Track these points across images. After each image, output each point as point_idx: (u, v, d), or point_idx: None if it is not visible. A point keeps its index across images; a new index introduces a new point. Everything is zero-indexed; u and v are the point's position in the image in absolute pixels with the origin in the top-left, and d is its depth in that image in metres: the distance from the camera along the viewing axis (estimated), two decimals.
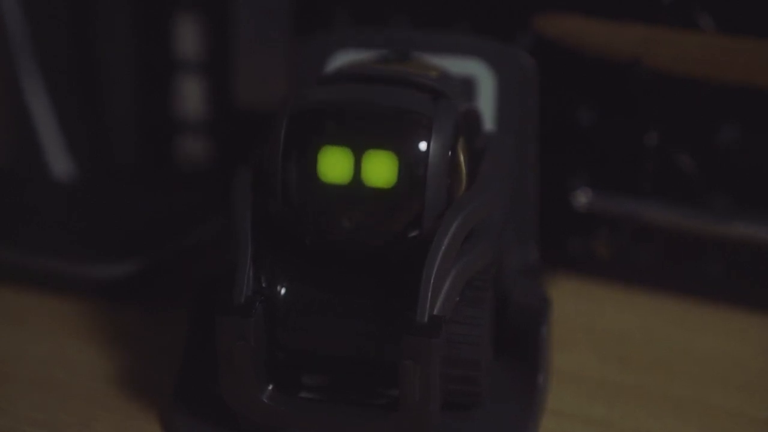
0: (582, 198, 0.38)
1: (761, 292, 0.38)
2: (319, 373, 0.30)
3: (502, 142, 0.34)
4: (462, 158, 0.31)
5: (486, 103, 0.35)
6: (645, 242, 0.39)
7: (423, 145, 0.29)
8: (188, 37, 0.44)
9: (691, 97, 0.37)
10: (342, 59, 0.34)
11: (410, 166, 0.29)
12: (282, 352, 0.30)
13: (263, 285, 0.29)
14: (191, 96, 0.44)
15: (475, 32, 0.39)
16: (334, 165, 0.29)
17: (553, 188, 0.39)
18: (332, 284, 0.30)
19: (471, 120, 0.32)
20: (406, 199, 0.29)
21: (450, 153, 0.29)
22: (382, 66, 0.32)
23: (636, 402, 0.33)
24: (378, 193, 0.29)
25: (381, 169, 0.29)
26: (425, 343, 0.27)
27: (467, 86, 0.35)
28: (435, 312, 0.28)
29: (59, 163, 0.43)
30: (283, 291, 0.30)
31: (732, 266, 0.38)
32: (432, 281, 0.28)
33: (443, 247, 0.28)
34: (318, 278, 0.30)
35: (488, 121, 0.35)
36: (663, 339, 0.37)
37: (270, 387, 0.29)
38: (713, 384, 0.34)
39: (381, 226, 0.29)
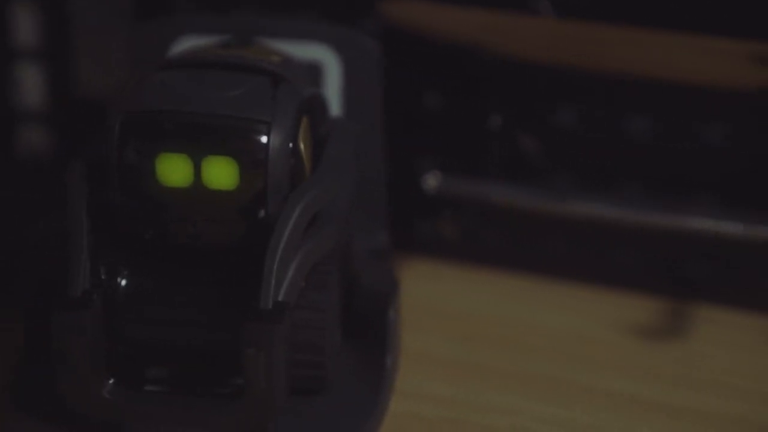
0: (431, 181, 0.38)
1: (604, 269, 0.38)
2: (163, 366, 0.29)
3: (348, 128, 0.33)
4: (305, 145, 0.30)
5: (332, 89, 0.35)
6: (492, 223, 0.39)
7: (262, 143, 0.28)
8: (27, 25, 0.42)
9: (532, 80, 0.37)
10: (184, 45, 0.33)
11: (250, 166, 0.28)
12: (123, 345, 0.28)
13: (102, 277, 0.28)
14: (31, 85, 0.42)
15: (321, 18, 0.38)
16: (172, 171, 0.28)
17: (403, 172, 0.39)
18: (174, 275, 0.29)
19: (315, 105, 0.31)
20: (248, 198, 0.28)
21: (291, 141, 0.29)
22: (223, 52, 0.31)
23: (484, 380, 0.33)
24: (219, 195, 0.28)
25: (221, 173, 0.28)
26: (268, 329, 0.27)
27: (313, 72, 0.34)
28: (279, 298, 0.27)
29: None
30: (123, 283, 0.28)
31: (575, 244, 0.38)
32: (275, 267, 0.27)
33: (286, 233, 0.28)
34: (159, 269, 0.29)
35: (334, 106, 0.35)
36: (511, 317, 0.36)
37: (111, 381, 0.28)
38: (559, 359, 0.34)
39: (224, 228, 0.28)
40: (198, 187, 0.28)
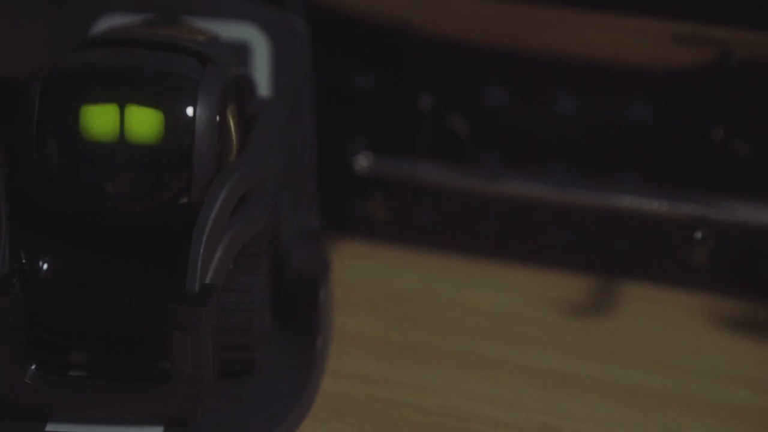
0: (362, 161, 0.38)
1: (533, 247, 0.38)
2: (88, 351, 0.29)
3: (276, 108, 0.33)
4: (232, 124, 0.29)
5: (260, 69, 0.34)
6: (423, 203, 0.39)
7: (189, 105, 0.27)
8: None
9: (461, 60, 0.37)
10: (106, 23, 0.32)
11: (176, 124, 0.27)
12: (45, 331, 0.28)
13: (23, 261, 0.27)
14: None
15: None
16: (96, 123, 0.27)
17: (334, 152, 0.39)
18: (98, 258, 0.28)
19: (242, 85, 0.31)
20: (172, 158, 0.27)
21: (218, 117, 0.28)
22: (147, 30, 0.30)
23: (414, 358, 0.33)
24: (143, 149, 0.27)
25: (146, 126, 0.27)
26: (195, 312, 0.26)
27: (241, 51, 0.34)
28: (206, 281, 0.27)
29: None
30: (45, 267, 0.28)
31: (505, 223, 0.38)
32: (202, 249, 0.27)
33: (212, 215, 0.27)
34: (83, 252, 0.28)
35: (263, 86, 0.34)
36: (440, 296, 0.36)
37: (33, 367, 0.27)
38: (485, 336, 0.34)
39: (147, 189, 0.27)
40: (121, 142, 0.27)
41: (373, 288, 0.37)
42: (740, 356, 0.34)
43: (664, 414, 0.31)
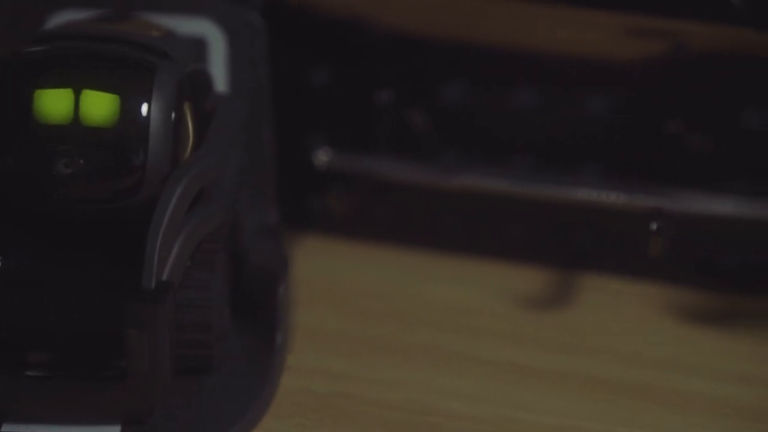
0: (321, 157, 0.38)
1: (492, 241, 0.38)
2: (44, 350, 0.28)
3: (234, 103, 0.32)
4: (188, 119, 0.29)
5: (217, 65, 0.34)
6: (383, 198, 0.39)
7: (144, 97, 0.27)
8: None
9: (418, 55, 0.37)
10: (60, 19, 0.32)
11: (130, 115, 0.27)
12: (1, 330, 0.27)
13: None
14: None
15: None
16: (50, 106, 0.27)
17: (293, 148, 0.38)
18: (52, 256, 0.27)
19: (198, 81, 0.30)
20: (127, 146, 0.27)
21: (173, 112, 0.28)
22: (101, 25, 0.29)
23: (374, 353, 0.33)
24: (97, 136, 0.27)
25: (100, 114, 0.27)
26: (151, 310, 0.26)
27: (197, 47, 0.33)
28: (163, 277, 0.27)
29: None
30: None
31: (464, 217, 0.38)
32: (158, 245, 0.26)
33: (169, 210, 0.27)
34: (37, 250, 0.27)
35: (220, 82, 0.34)
36: (400, 291, 0.36)
37: None
38: (446, 331, 0.34)
39: (101, 175, 0.27)
40: (76, 124, 0.27)
41: (334, 283, 0.37)
42: (696, 346, 0.34)
43: (622, 404, 0.31)
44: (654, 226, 0.32)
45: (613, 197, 0.34)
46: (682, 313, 0.36)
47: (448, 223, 0.39)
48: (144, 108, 0.27)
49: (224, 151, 0.29)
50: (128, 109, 0.27)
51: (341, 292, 0.36)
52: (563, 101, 0.36)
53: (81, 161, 0.27)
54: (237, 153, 0.31)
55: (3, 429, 0.27)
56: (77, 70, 0.27)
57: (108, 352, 0.27)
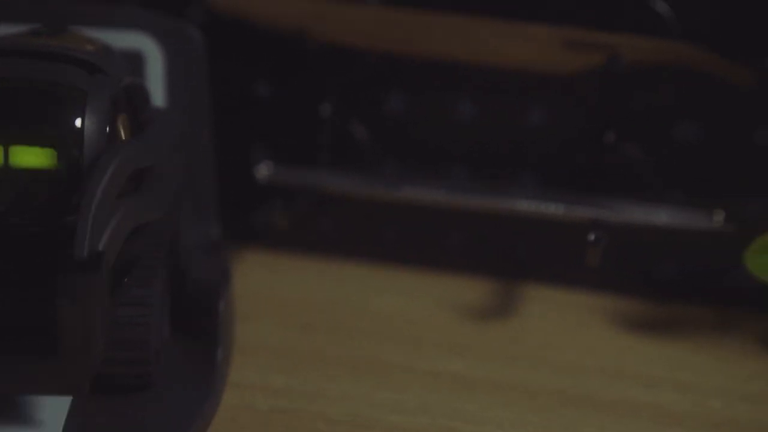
0: (263, 171, 0.37)
1: (434, 252, 0.38)
2: None
3: (172, 118, 0.32)
4: (123, 134, 0.28)
5: (155, 79, 0.33)
6: (325, 211, 0.38)
7: (77, 128, 0.26)
8: None
9: (359, 67, 0.37)
10: None
11: (64, 125, 0.26)
12: None
13: None
14: None
15: (145, 6, 0.37)
16: None
17: (235, 162, 0.38)
18: None
19: (134, 95, 0.30)
20: (62, 184, 0.26)
21: (108, 128, 0.27)
22: (34, 40, 0.29)
23: (316, 367, 0.32)
24: (31, 176, 0.26)
25: (32, 158, 0.26)
26: (85, 280, 0.24)
27: (135, 61, 0.33)
28: (98, 248, 0.25)
29: None
30: None
31: (405, 229, 0.38)
32: (91, 213, 0.25)
33: (104, 179, 0.26)
34: None
35: (158, 96, 0.33)
36: (344, 304, 0.36)
37: None
38: (390, 343, 0.34)
39: (35, 211, 0.26)
40: (6, 171, 0.26)
41: (276, 297, 0.36)
42: (636, 355, 0.34)
43: (564, 413, 0.31)
44: (591, 236, 0.33)
45: (551, 208, 0.34)
46: (622, 323, 0.36)
47: (389, 235, 0.39)
48: (78, 123, 0.26)
49: (160, 138, 0.29)
50: (62, 125, 0.26)
51: (283, 305, 0.36)
52: (502, 113, 0.36)
53: (15, 203, 0.26)
54: (178, 161, 0.30)
55: None
56: (4, 118, 0.26)
57: (39, 327, 0.26)
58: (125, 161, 0.27)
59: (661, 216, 0.34)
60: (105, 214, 0.26)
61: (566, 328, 0.35)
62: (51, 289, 0.25)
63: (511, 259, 0.38)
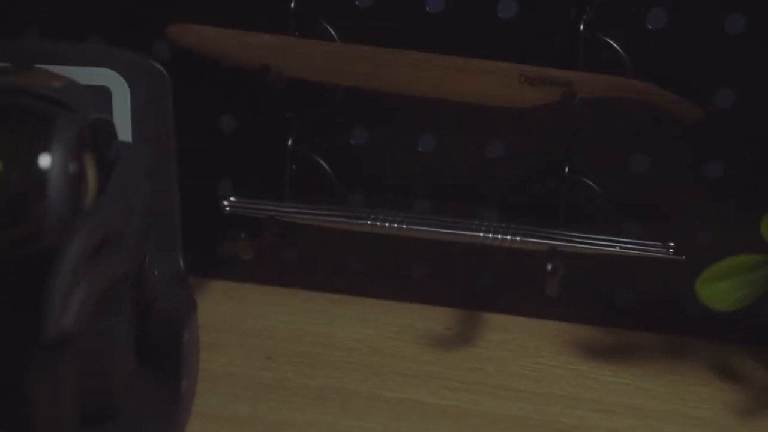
0: (228, 202, 0.38)
1: (393, 281, 0.38)
2: None
3: (138, 152, 0.32)
4: (89, 169, 0.29)
5: (121, 114, 0.34)
6: (289, 242, 0.39)
7: (43, 144, 0.27)
8: None
9: (322, 102, 0.37)
10: None
11: (29, 162, 0.27)
12: None
13: None
14: None
15: (111, 43, 0.37)
16: None
17: (200, 194, 0.38)
18: None
19: (100, 130, 0.30)
20: (24, 195, 0.27)
21: (73, 163, 0.27)
22: (1, 78, 0.29)
23: (281, 396, 0.33)
24: None
25: None
26: (53, 358, 0.25)
27: (101, 96, 0.33)
28: (64, 325, 0.26)
29: None
30: None
31: (367, 259, 0.38)
32: (58, 292, 0.26)
33: (69, 257, 0.26)
34: None
35: (125, 131, 0.34)
36: (308, 333, 0.36)
37: None
38: (354, 371, 0.34)
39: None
40: None
41: (241, 327, 0.37)
42: (593, 381, 0.34)
43: None
44: (549, 266, 0.33)
45: (510, 239, 0.35)
46: (579, 350, 0.36)
47: (353, 265, 0.39)
48: (42, 159, 0.27)
49: (127, 199, 0.29)
50: (26, 161, 0.26)
51: (248, 335, 0.36)
52: (462, 146, 0.37)
53: None
54: (141, 200, 0.31)
55: None
56: None
57: (9, 401, 0.27)
58: (93, 233, 0.27)
59: (615, 246, 0.34)
60: (72, 288, 0.26)
61: (525, 355, 0.36)
62: (21, 365, 0.25)
63: (473, 288, 0.38)
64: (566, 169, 0.35)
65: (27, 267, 0.27)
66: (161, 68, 0.34)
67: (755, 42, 0.34)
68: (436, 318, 0.37)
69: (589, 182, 0.36)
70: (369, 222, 0.36)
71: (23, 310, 0.27)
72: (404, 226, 0.36)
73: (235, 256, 0.38)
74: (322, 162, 0.38)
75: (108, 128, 0.31)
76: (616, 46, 0.34)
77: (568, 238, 0.34)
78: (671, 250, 0.34)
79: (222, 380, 0.33)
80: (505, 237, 0.34)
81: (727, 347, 0.36)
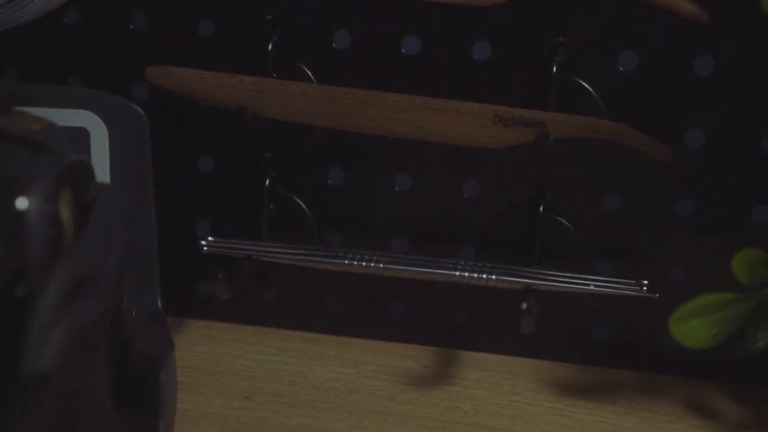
0: (206, 243, 0.38)
1: (370, 320, 0.38)
2: None
3: (116, 193, 0.32)
4: (67, 211, 0.29)
5: (100, 155, 0.34)
6: (267, 282, 0.39)
7: (19, 195, 0.27)
8: None
9: (299, 142, 0.38)
10: None
11: (5, 203, 0.26)
12: None
13: None
14: None
15: (90, 85, 0.37)
16: None
17: (178, 235, 0.38)
18: None
19: (79, 172, 0.30)
20: (2, 247, 0.27)
21: (51, 207, 0.27)
22: None
23: None
24: None
25: None
26: (31, 400, 0.25)
27: (80, 138, 0.33)
28: (42, 366, 0.26)
29: None
30: None
31: (344, 299, 0.39)
32: (36, 333, 0.26)
33: (47, 299, 0.26)
34: None
35: (103, 172, 0.34)
36: (285, 372, 0.36)
37: None
38: (328, 410, 0.34)
39: None
40: None
41: (218, 367, 0.36)
42: (568, 419, 0.34)
43: None
44: (524, 305, 0.33)
45: (486, 278, 0.35)
46: (555, 387, 0.36)
47: (330, 305, 0.39)
48: (19, 201, 0.27)
49: (104, 240, 0.29)
50: (3, 203, 0.26)
51: (225, 375, 0.36)
52: (437, 186, 0.37)
53: None
54: (119, 241, 0.31)
55: None
56: None
57: None
58: (70, 276, 0.27)
59: (590, 284, 0.34)
60: (49, 330, 0.26)
61: (502, 393, 0.36)
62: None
63: (449, 326, 0.38)
64: (540, 208, 0.35)
65: (4, 308, 0.27)
66: (140, 110, 0.34)
67: (724, 83, 0.34)
68: (414, 356, 0.37)
69: (563, 221, 0.36)
70: (346, 261, 0.36)
71: (0, 351, 0.27)
72: (381, 266, 0.36)
73: (212, 296, 0.38)
74: (300, 202, 0.38)
75: (86, 170, 0.31)
76: (588, 87, 0.35)
77: (543, 277, 0.34)
78: (645, 288, 0.34)
79: (200, 420, 0.33)
80: (480, 275, 0.34)
81: (700, 384, 0.36)
